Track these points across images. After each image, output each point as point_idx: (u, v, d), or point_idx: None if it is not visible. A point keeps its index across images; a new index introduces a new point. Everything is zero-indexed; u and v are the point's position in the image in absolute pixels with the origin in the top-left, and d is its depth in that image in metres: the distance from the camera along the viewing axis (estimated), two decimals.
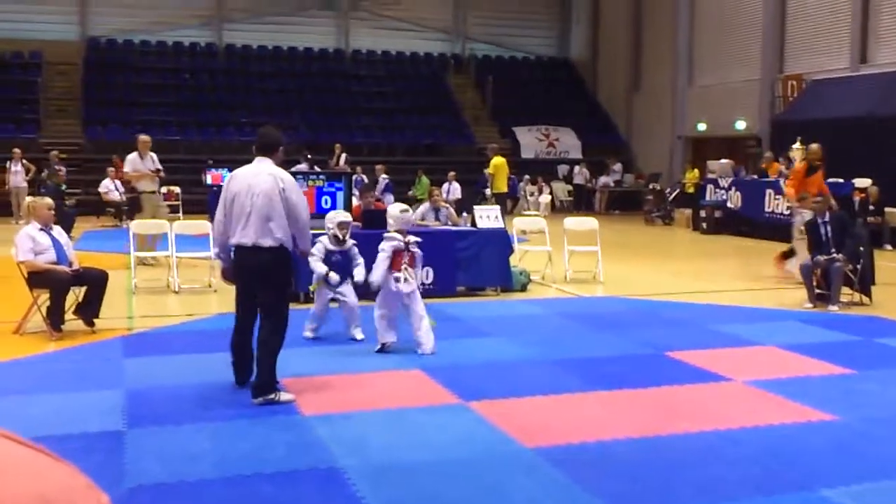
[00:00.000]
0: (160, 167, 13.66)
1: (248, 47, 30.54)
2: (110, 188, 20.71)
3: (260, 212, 5.94)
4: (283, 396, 6.04)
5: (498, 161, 18.45)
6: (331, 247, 7.90)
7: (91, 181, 21.58)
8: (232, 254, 6.26)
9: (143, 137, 13.62)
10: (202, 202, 21.24)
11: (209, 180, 21.22)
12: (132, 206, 13.73)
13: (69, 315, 8.27)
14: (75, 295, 8.37)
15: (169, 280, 10.90)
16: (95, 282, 8.36)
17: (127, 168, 13.48)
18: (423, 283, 10.46)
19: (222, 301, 10.15)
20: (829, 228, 10.29)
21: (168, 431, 5.40)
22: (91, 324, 8.33)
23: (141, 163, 13.32)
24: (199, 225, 12.04)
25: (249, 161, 6.30)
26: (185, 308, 9.79)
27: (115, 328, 8.49)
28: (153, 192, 13.51)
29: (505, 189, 18.77)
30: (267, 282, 6.12)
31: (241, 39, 30.53)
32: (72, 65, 27.96)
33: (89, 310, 8.33)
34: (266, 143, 6.26)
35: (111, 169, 20.92)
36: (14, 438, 0.86)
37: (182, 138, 26.15)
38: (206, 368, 6.89)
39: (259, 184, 6.00)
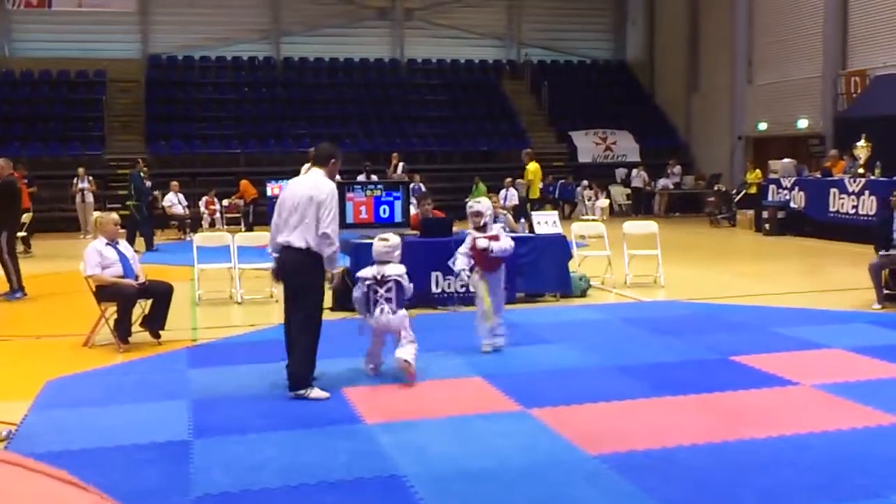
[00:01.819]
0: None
1: (305, 60, 30.94)
2: (174, 202, 21.17)
3: (296, 215, 6.45)
4: (314, 393, 6.39)
5: (533, 167, 18.29)
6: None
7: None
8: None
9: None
10: (265, 214, 21.63)
11: (269, 192, 21.57)
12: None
13: (136, 327, 8.46)
14: (141, 307, 8.56)
15: (232, 291, 11.08)
16: (161, 294, 8.53)
17: None
18: None
19: (284, 311, 10.27)
20: None
21: (233, 441, 5.48)
22: (157, 335, 8.50)
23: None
24: (261, 237, 12.21)
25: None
26: (247, 319, 9.94)
27: (180, 339, 8.65)
28: None
29: (538, 195, 18.60)
30: (295, 280, 6.58)
31: (298, 52, 30.94)
32: (134, 82, 28.66)
33: (155, 322, 8.51)
34: (317, 154, 6.84)
35: (174, 183, 21.39)
36: (41, 470, 0.87)
37: (242, 151, 26.60)
38: (269, 378, 6.98)
39: (301, 191, 6.53)
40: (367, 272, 6.98)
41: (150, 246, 17.53)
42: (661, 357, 7.60)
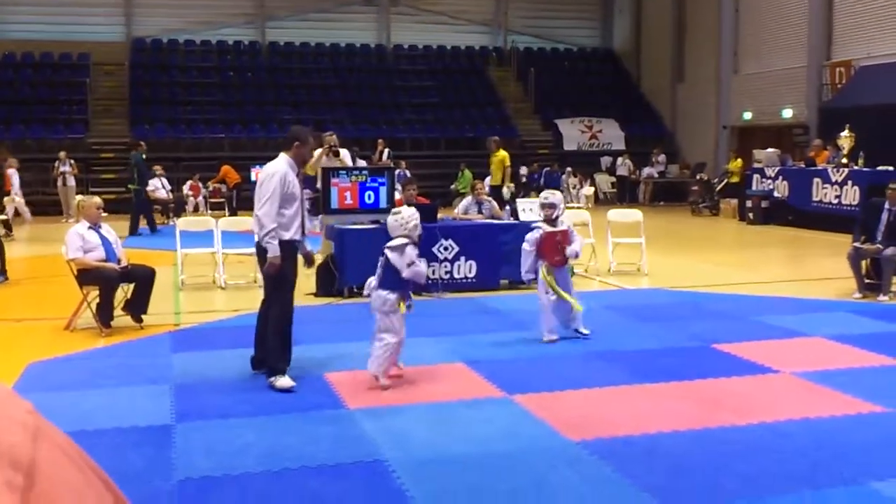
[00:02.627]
0: (349, 165, 12.63)
1: (290, 44, 30.77)
2: (158, 186, 21.03)
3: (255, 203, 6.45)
4: (279, 382, 6.24)
5: (501, 155, 18.19)
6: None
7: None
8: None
9: (328, 137, 12.75)
10: (249, 199, 21.55)
11: (253, 177, 21.45)
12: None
13: (118, 311, 8.42)
14: (124, 291, 8.52)
15: (215, 276, 11.04)
16: (143, 279, 8.49)
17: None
18: (465, 277, 10.52)
19: None
20: (890, 218, 10.00)
21: (215, 425, 5.47)
22: (139, 320, 8.47)
23: (327, 161, 12.34)
24: (245, 221, 12.16)
25: None
26: (230, 304, 9.91)
27: (162, 324, 8.62)
28: None
29: (500, 182, 18.43)
30: (260, 262, 6.55)
31: (284, 37, 30.78)
32: (118, 65, 28.43)
33: (138, 306, 8.47)
34: (285, 139, 6.68)
35: (157, 167, 21.24)
36: None
37: (227, 136, 26.47)
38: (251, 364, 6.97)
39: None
40: None
41: (133, 230, 17.44)
42: (644, 344, 7.64)
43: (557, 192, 8.26)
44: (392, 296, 6.25)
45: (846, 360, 7.06)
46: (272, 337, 6.41)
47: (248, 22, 30.68)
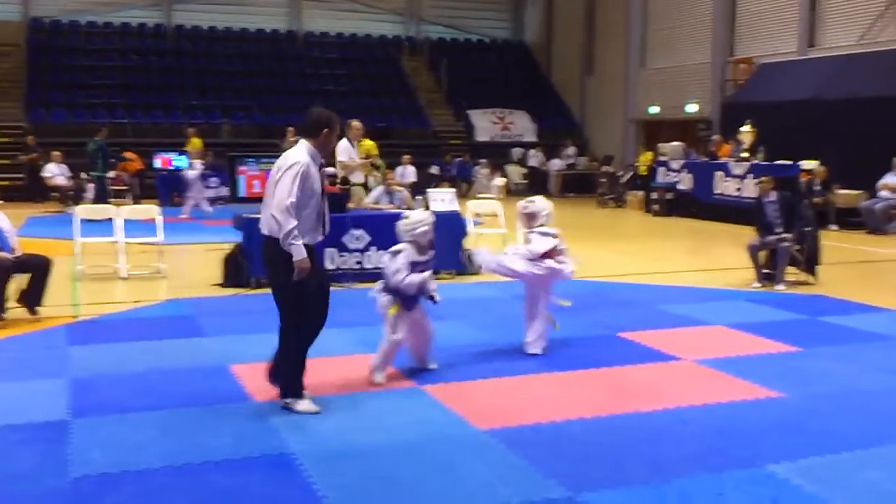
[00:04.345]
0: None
1: (197, 28, 30.06)
2: (55, 172, 20.29)
3: (265, 198, 5.53)
4: (300, 406, 5.46)
5: (368, 144, 18.13)
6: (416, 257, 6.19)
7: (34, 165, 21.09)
8: None
9: (356, 123, 12.09)
10: (152, 187, 21.00)
11: (157, 164, 20.94)
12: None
13: (12, 303, 8.09)
14: (18, 282, 8.18)
15: (116, 266, 10.71)
16: (38, 268, 8.18)
17: (341, 157, 11.45)
18: (376, 267, 10.44)
19: (171, 287, 10.02)
20: (775, 208, 10.42)
21: (114, 420, 5.29)
22: (34, 311, 8.16)
23: (354, 151, 11.80)
24: (148, 210, 11.84)
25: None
26: (132, 295, 9.62)
27: (59, 316, 8.31)
28: (362, 185, 12.01)
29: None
30: (267, 275, 5.69)
31: (191, 20, 30.04)
32: (14, 46, 27.25)
33: (32, 297, 8.16)
34: (303, 124, 5.63)
35: (56, 153, 20.49)
36: None
37: (130, 121, 25.68)
38: (153, 356, 6.79)
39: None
40: None
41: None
42: (552, 333, 7.69)
43: (538, 198, 7.42)
44: (384, 298, 6.17)
45: (745, 348, 7.28)
46: (287, 358, 5.55)
47: (153, 4, 29.81)
